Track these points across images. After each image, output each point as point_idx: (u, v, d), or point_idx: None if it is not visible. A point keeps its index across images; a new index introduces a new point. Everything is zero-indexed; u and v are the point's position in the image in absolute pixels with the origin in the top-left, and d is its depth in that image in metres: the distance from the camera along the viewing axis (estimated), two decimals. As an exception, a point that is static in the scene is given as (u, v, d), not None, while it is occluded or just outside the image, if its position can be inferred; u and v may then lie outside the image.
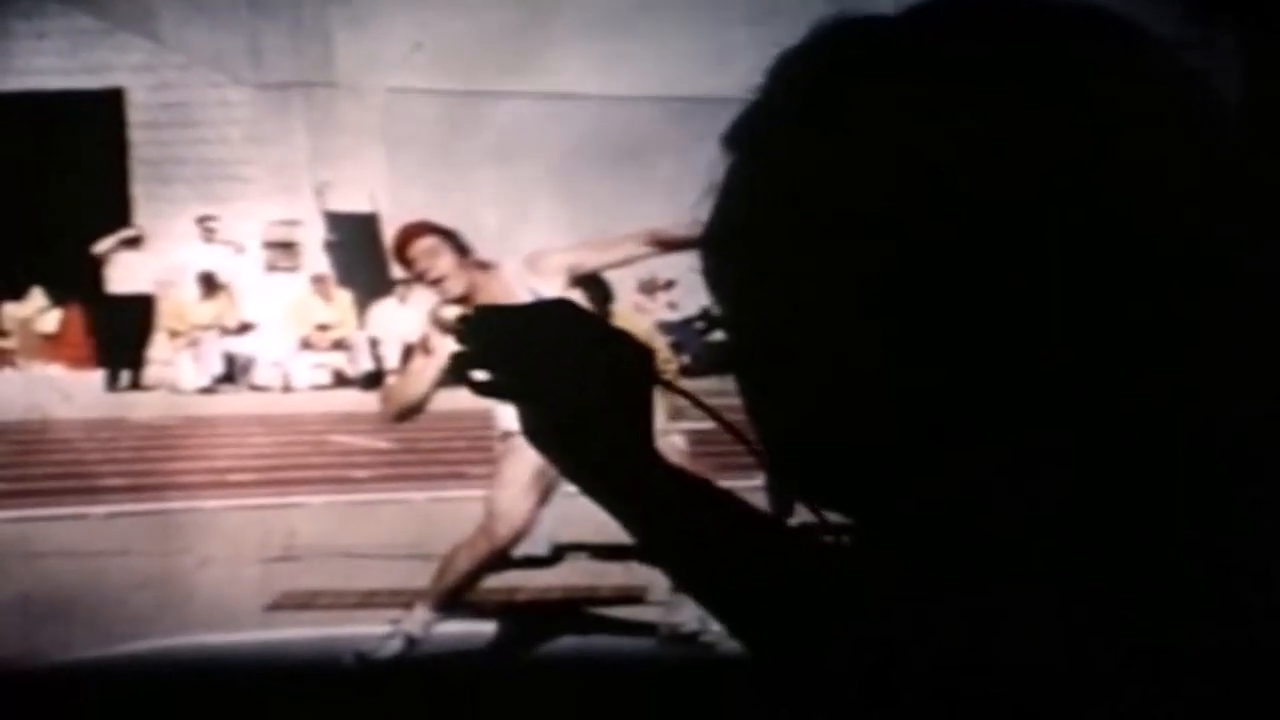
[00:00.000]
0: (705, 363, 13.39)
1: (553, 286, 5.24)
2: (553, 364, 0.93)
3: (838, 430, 0.68)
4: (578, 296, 5.59)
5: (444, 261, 5.22)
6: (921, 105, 0.63)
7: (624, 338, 0.95)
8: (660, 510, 0.95)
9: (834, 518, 0.75)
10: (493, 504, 5.38)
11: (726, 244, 0.71)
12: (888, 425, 0.65)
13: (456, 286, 5.20)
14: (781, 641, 0.80)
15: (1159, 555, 0.61)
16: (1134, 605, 0.59)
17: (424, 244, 5.26)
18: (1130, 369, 0.61)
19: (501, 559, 5.46)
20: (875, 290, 0.64)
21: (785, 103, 0.68)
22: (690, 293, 13.35)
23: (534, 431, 0.95)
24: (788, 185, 0.67)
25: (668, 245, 5.48)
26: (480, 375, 0.95)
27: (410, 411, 5.48)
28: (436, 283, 5.21)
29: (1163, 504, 0.61)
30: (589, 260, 5.43)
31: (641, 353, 0.95)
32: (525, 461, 5.19)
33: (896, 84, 0.64)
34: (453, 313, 5.19)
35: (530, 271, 5.31)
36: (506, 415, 5.27)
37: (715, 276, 0.72)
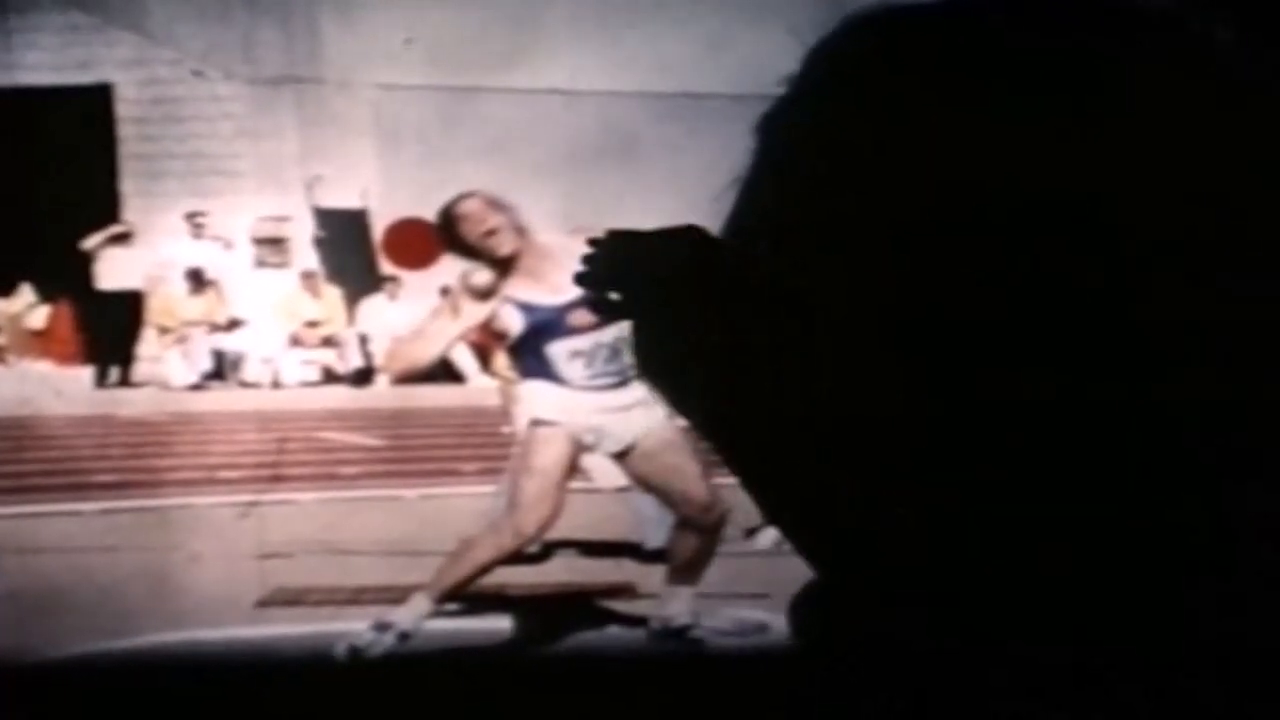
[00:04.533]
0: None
1: None
2: (677, 289, 0.89)
3: (856, 435, 0.67)
4: None
5: (496, 217, 5.23)
6: (965, 101, 0.63)
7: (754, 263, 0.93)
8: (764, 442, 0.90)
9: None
10: (519, 495, 5.26)
11: (750, 237, 0.70)
12: (903, 432, 0.65)
13: (508, 242, 5.19)
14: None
15: (1160, 554, 0.62)
16: (1134, 604, 0.61)
17: (472, 203, 5.27)
18: (1134, 370, 0.62)
19: (522, 551, 5.43)
20: (902, 294, 0.63)
21: (822, 94, 0.67)
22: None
23: (648, 360, 0.91)
24: (821, 180, 0.66)
25: None
26: (604, 296, 0.94)
27: (414, 373, 5.49)
28: (490, 235, 5.19)
29: (1163, 503, 0.62)
30: None
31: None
32: (556, 451, 5.18)
33: (943, 77, 0.64)
34: (484, 278, 5.21)
35: (571, 239, 5.34)
36: (534, 404, 5.26)
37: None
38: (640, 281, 0.91)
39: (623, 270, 0.92)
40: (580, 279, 0.94)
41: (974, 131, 0.62)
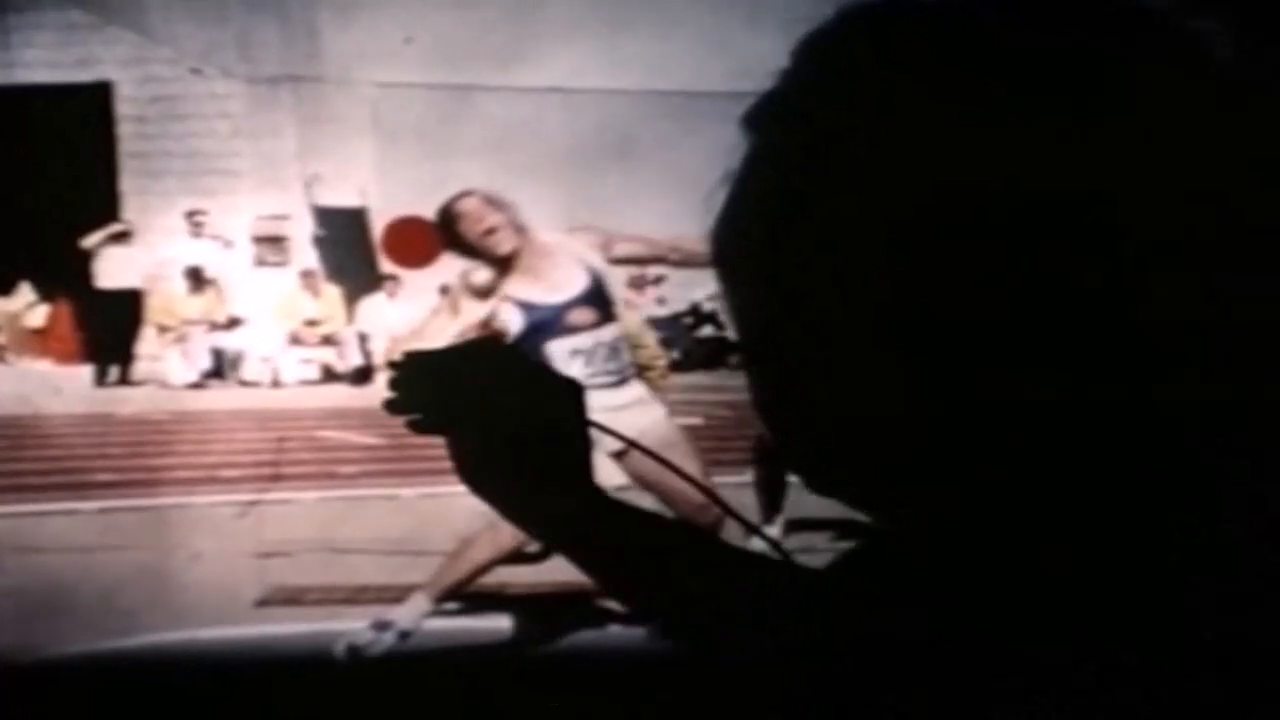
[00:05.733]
0: (694, 358, 13.40)
1: (592, 257, 5.26)
2: (480, 401, 0.95)
3: (856, 435, 0.67)
4: (617, 275, 5.60)
5: (495, 216, 5.23)
6: (963, 100, 0.62)
7: (551, 374, 0.98)
8: (597, 538, 0.96)
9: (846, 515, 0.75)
10: None
11: (740, 233, 0.70)
12: (904, 432, 0.65)
13: (507, 240, 5.19)
14: (722, 653, 0.82)
15: (1160, 554, 0.62)
16: (1134, 604, 0.61)
17: (471, 202, 5.27)
18: (1135, 371, 0.62)
19: (521, 551, 5.44)
20: (897, 293, 0.63)
21: (816, 86, 0.67)
22: (679, 288, 13.37)
23: (465, 468, 0.97)
24: (812, 177, 0.66)
25: (696, 262, 5.51)
26: (414, 416, 0.99)
27: None
28: (489, 233, 5.19)
29: (1163, 503, 0.62)
30: (622, 246, 5.44)
31: (570, 388, 0.98)
32: None
33: (941, 75, 0.63)
34: (484, 276, 5.21)
35: (570, 238, 5.34)
36: None
37: (725, 267, 0.71)
38: (445, 398, 0.95)
39: (427, 390, 0.97)
40: (389, 405, 0.99)
41: (972, 130, 0.62)
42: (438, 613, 5.33)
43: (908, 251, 0.62)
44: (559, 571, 6.43)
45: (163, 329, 13.45)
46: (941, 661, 0.62)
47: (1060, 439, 0.62)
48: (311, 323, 13.68)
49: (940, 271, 0.62)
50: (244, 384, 13.40)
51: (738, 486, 6.63)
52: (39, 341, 13.73)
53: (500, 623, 5.80)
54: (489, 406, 0.95)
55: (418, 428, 0.98)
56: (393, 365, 1.00)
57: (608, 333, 5.25)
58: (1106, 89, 0.62)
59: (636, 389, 5.38)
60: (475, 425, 0.95)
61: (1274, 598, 0.61)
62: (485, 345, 1.00)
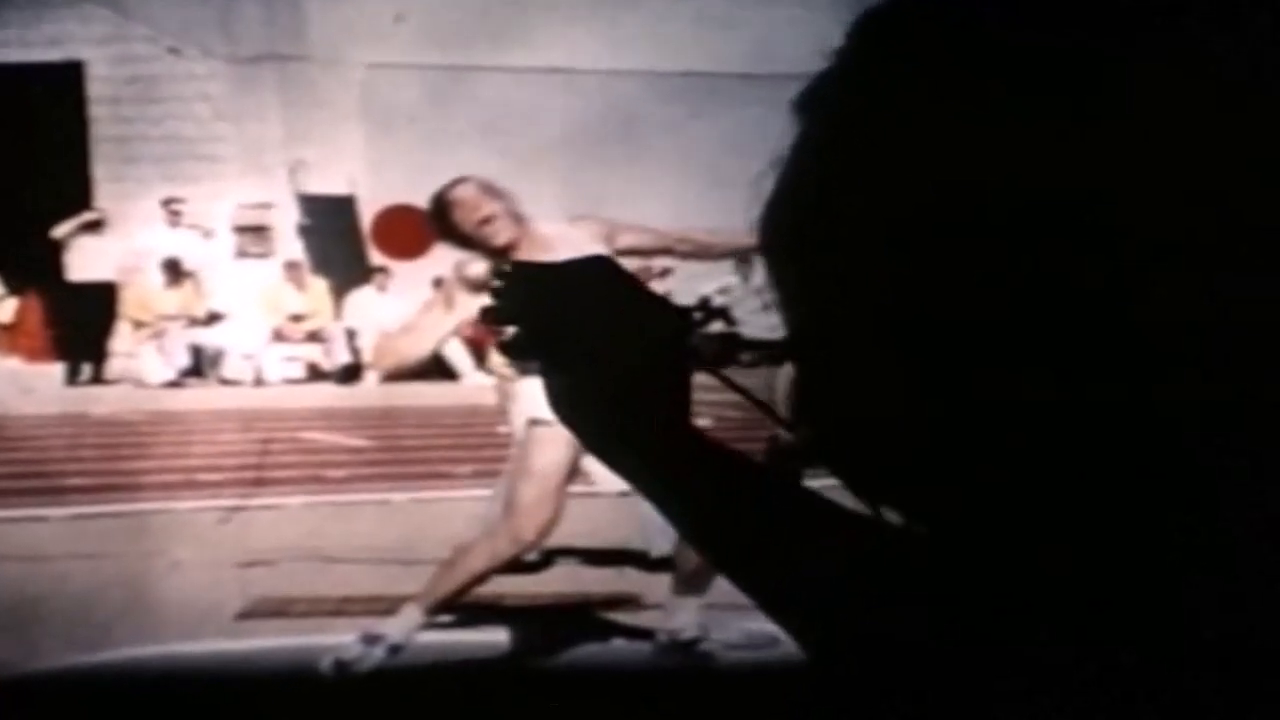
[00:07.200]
0: (702, 353, 13.39)
1: (595, 249, 5.27)
2: (587, 324, 0.92)
3: (856, 435, 0.70)
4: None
5: (492, 204, 5.24)
6: (964, 100, 0.65)
7: (663, 303, 0.95)
8: (693, 485, 0.91)
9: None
10: (517, 498, 5.29)
11: (790, 220, 0.72)
12: (904, 432, 0.68)
13: (505, 231, 5.20)
14: (820, 627, 0.79)
15: (1160, 554, 0.64)
16: (1134, 604, 0.64)
17: (466, 190, 5.28)
18: (1134, 371, 0.64)
19: (519, 559, 5.45)
20: (897, 292, 0.66)
21: (822, 83, 0.70)
22: (687, 281, 13.35)
23: (560, 397, 0.94)
24: (814, 173, 0.69)
25: (705, 254, 5.51)
26: (511, 331, 0.95)
27: (404, 369, 5.48)
28: (485, 223, 5.20)
29: (1163, 503, 0.65)
30: (627, 236, 5.44)
31: (681, 320, 0.94)
32: (555, 452, 5.19)
33: (942, 76, 0.66)
34: (480, 269, 5.22)
35: (572, 228, 5.35)
36: (533, 403, 5.28)
37: (775, 255, 0.74)
38: (549, 315, 0.93)
39: (532, 304, 0.94)
40: (487, 313, 0.95)
41: (973, 130, 0.65)
42: (431, 625, 5.34)
43: (908, 251, 0.66)
44: (558, 582, 6.45)
45: (138, 324, 13.45)
46: (942, 661, 0.65)
47: (1060, 439, 0.65)
48: (296, 318, 13.68)
49: (940, 271, 0.65)
50: (225, 383, 13.40)
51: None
52: (7, 338, 13.74)
53: (497, 636, 5.81)
54: (592, 327, 0.91)
55: (512, 348, 0.94)
56: (498, 274, 0.95)
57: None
58: (1106, 89, 0.65)
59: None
60: (574, 347, 0.92)
61: (1274, 598, 0.64)
62: (599, 263, 0.96)
